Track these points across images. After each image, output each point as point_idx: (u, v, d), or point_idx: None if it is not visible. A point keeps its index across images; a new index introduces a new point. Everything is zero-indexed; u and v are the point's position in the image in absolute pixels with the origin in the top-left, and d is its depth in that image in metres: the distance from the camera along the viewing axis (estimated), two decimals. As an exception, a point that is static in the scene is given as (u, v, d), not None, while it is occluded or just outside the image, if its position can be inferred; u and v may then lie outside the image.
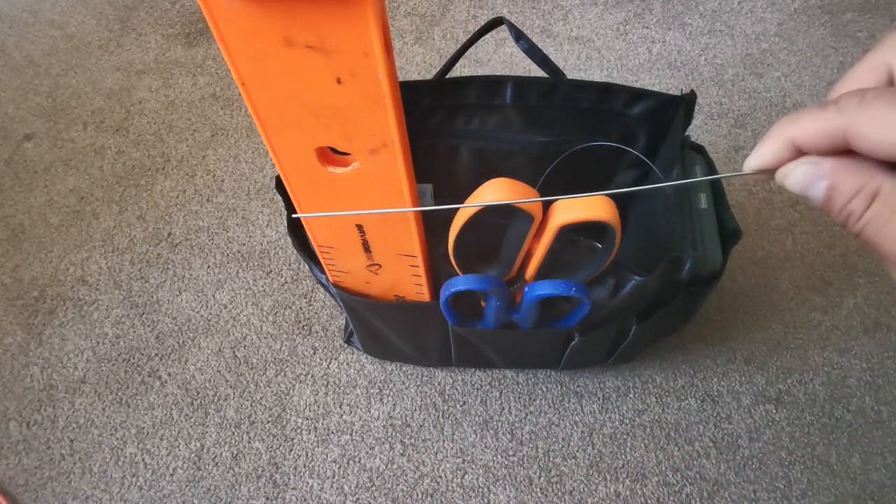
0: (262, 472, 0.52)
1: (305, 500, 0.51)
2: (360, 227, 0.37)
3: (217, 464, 0.53)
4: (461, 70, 0.78)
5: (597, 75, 0.78)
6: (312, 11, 0.24)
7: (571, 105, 0.45)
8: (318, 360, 0.58)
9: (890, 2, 0.83)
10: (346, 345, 0.59)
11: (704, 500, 0.50)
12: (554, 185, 0.47)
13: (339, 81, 0.26)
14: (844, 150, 0.19)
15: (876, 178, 0.18)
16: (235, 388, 0.56)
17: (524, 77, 0.44)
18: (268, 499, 0.51)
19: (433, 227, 0.40)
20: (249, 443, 0.54)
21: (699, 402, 0.55)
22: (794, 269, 0.61)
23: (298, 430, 0.54)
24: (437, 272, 0.43)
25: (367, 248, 0.39)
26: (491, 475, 0.52)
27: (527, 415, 0.54)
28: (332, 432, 0.54)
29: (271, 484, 0.52)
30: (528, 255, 0.39)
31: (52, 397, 0.57)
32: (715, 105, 0.74)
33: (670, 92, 0.44)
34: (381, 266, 0.41)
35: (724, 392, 0.55)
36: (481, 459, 0.52)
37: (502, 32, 0.81)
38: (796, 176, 0.20)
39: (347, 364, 0.58)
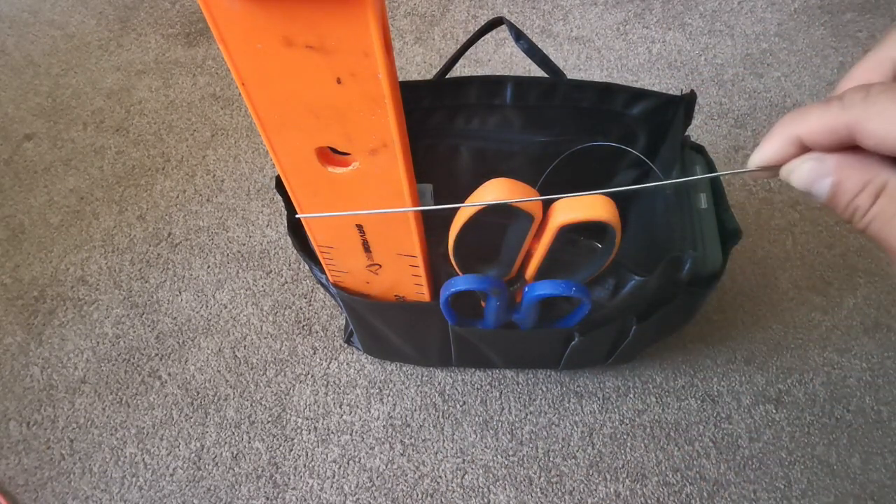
0: (262, 472, 0.52)
1: (305, 500, 0.51)
2: (360, 227, 0.37)
3: (217, 464, 0.53)
4: (461, 70, 0.78)
5: (597, 75, 0.78)
6: (312, 11, 0.24)
7: (571, 105, 0.45)
8: (318, 360, 0.58)
9: (890, 2, 0.83)
10: (346, 345, 0.59)
11: (704, 500, 0.50)
12: (554, 185, 0.47)
13: (339, 81, 0.26)
14: (849, 146, 0.19)
15: (881, 174, 0.18)
16: (235, 388, 0.56)
17: (524, 77, 0.44)
18: (268, 499, 0.51)
19: (433, 227, 0.40)
20: (249, 443, 0.54)
21: (699, 402, 0.55)
22: (794, 269, 0.61)
23: (298, 430, 0.54)
24: (437, 272, 0.43)
25: (367, 248, 0.39)
26: (491, 475, 0.52)
27: (527, 415, 0.54)
28: (332, 432, 0.54)
29: (271, 484, 0.52)
30: (528, 255, 0.39)
31: (52, 397, 0.57)
32: (715, 105, 0.74)
33: (670, 92, 0.44)
34: (381, 266, 0.41)
35: (724, 392, 0.55)
36: (481, 459, 0.52)
37: (502, 32, 0.81)
38: (801, 172, 0.20)
39: (347, 364, 0.58)
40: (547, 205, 0.35)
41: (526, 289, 0.40)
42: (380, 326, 0.49)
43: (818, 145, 0.19)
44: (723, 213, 0.43)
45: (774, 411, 0.54)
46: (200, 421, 0.55)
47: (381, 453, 0.53)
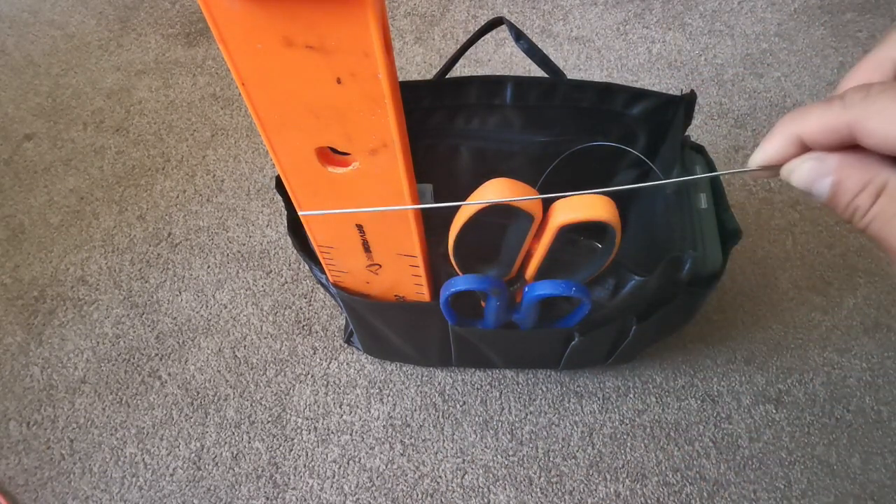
0: (262, 472, 0.52)
1: (305, 500, 0.51)
2: (360, 227, 0.37)
3: (217, 464, 0.53)
4: (461, 70, 0.78)
5: (597, 75, 0.78)
6: (312, 11, 0.24)
7: (571, 105, 0.45)
8: (318, 360, 0.58)
9: (890, 2, 0.83)
10: (346, 345, 0.59)
11: (704, 500, 0.50)
12: (554, 185, 0.47)
13: (339, 81, 0.26)
14: (850, 146, 0.19)
15: (882, 173, 0.18)
16: (235, 388, 0.56)
17: (524, 77, 0.44)
18: (268, 499, 0.51)
19: (433, 227, 0.40)
20: (249, 443, 0.54)
21: (699, 402, 0.55)
22: (794, 269, 0.61)
23: (298, 430, 0.54)
24: (437, 272, 0.43)
25: (367, 248, 0.39)
26: (491, 475, 0.52)
27: (527, 415, 0.54)
28: (332, 432, 0.54)
29: (271, 484, 0.52)
30: (528, 255, 0.39)
31: (52, 397, 0.57)
32: (715, 105, 0.74)
33: (670, 92, 0.44)
34: (381, 266, 0.41)
35: (724, 392, 0.55)
36: (481, 459, 0.52)
37: (502, 32, 0.81)
38: (801, 172, 0.20)
39: (347, 364, 0.58)
40: (547, 204, 0.35)
41: (526, 289, 0.40)
42: (380, 326, 0.49)
43: (819, 145, 0.19)
44: (723, 213, 0.43)
45: (774, 411, 0.54)
46: (200, 421, 0.55)
47: (381, 453, 0.53)
